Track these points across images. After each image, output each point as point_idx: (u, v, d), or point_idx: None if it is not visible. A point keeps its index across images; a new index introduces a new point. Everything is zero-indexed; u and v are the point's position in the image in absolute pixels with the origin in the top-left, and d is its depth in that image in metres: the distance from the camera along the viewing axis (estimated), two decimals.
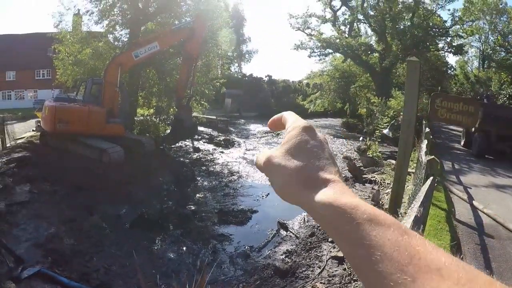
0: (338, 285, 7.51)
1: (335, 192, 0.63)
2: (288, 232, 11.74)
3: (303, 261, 9.18)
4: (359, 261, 0.54)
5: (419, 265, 0.49)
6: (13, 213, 11.46)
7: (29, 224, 10.97)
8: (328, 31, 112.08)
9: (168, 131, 24.32)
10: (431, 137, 15.39)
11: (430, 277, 0.47)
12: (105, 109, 17.86)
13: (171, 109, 25.88)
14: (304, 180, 0.68)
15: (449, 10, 39.31)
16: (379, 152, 18.54)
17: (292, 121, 0.81)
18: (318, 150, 0.72)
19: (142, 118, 27.20)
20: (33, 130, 22.94)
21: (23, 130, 24.12)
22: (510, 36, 38.70)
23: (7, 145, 18.41)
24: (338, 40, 37.68)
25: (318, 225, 11.40)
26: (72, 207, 12.64)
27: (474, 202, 11.26)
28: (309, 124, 0.77)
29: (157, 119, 26.98)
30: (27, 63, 53.80)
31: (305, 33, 41.45)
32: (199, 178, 18.22)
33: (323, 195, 0.63)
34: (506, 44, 37.33)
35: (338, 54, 41.44)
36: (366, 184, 15.13)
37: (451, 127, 32.36)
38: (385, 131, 17.09)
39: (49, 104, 18.00)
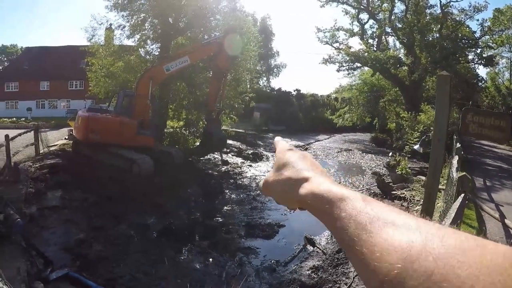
0: None
1: (314, 184, 0.78)
2: (315, 247, 11.64)
3: (329, 277, 9.11)
4: (340, 233, 0.63)
5: (378, 222, 0.59)
6: (44, 217, 11.79)
7: (59, 228, 11.27)
8: (356, 44, 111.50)
9: (197, 143, 24.50)
10: (462, 152, 15.15)
11: (386, 229, 0.57)
12: (136, 121, 18.10)
13: (201, 122, 26.05)
14: (293, 185, 0.84)
15: (477, 20, 38.91)
16: (409, 168, 18.28)
17: (279, 146, 1.03)
18: (299, 161, 0.90)
19: (172, 130, 27.45)
20: (65, 138, 23.46)
21: (56, 138, 24.75)
22: None
23: (41, 152, 18.84)
24: (366, 54, 37.13)
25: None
26: (101, 214, 12.86)
27: (506, 221, 11.03)
28: (291, 146, 1.01)
29: (187, 131, 27.20)
30: (60, 74, 55.29)
31: (333, 47, 41.21)
32: (227, 191, 18.22)
33: (305, 189, 0.79)
34: None
35: (366, 68, 40.86)
36: (395, 200, 14.88)
37: (483, 141, 31.80)
38: (416, 146, 16.81)
39: (82, 114, 18.48)
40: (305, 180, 0.81)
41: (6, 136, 14.41)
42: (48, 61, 56.19)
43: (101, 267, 9.58)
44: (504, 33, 36.63)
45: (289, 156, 0.93)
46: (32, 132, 18.96)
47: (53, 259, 8.92)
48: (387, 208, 0.64)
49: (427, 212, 7.45)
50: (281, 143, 1.06)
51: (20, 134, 17.03)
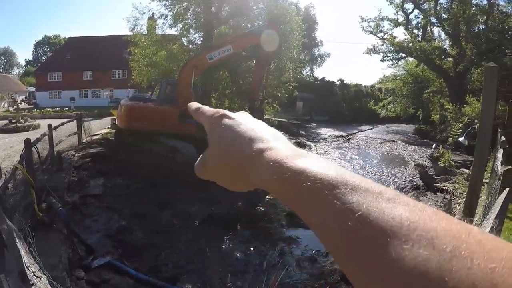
0: None
1: (275, 164, 0.54)
2: None
3: None
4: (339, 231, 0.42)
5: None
6: (86, 204, 12.02)
7: (101, 216, 11.46)
8: (400, 34, 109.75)
9: None
10: (507, 146, 14.80)
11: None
12: (179, 109, 18.27)
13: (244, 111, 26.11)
14: (241, 164, 0.60)
15: None
16: (452, 160, 17.98)
17: (206, 116, 0.75)
18: (239, 129, 0.64)
19: None
20: (108, 128, 23.81)
21: (99, 127, 25.09)
22: None
23: (84, 141, 19.20)
24: (411, 44, 36.52)
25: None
26: (144, 202, 13.09)
27: None
28: (218, 112, 0.72)
29: None
30: (103, 64, 56.24)
31: (377, 36, 40.64)
32: None
33: (265, 172, 0.55)
34: None
35: (411, 59, 40.25)
36: (437, 193, 14.67)
37: None
38: (461, 139, 16.52)
39: (125, 103, 18.74)
40: (260, 154, 0.58)
41: (49, 125, 14.54)
42: (91, 51, 57.01)
43: (144, 254, 9.77)
44: None
45: (225, 125, 0.67)
46: (75, 121, 19.34)
47: (95, 247, 9.14)
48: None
49: (470, 205, 7.32)
50: (204, 108, 0.79)
51: (63, 124, 17.24)
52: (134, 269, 8.48)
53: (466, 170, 15.82)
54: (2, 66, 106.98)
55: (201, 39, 26.45)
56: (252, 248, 10.99)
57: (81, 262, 8.17)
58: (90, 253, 8.71)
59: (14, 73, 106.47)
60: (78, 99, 55.10)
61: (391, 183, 18.30)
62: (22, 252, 4.15)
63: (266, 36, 18.29)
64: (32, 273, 3.46)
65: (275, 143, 0.59)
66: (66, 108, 44.83)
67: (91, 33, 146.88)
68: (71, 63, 58.10)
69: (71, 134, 18.47)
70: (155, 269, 9.09)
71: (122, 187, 14.08)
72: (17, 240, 4.53)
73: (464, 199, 8.49)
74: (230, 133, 0.64)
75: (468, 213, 7.19)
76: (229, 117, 0.69)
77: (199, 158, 0.72)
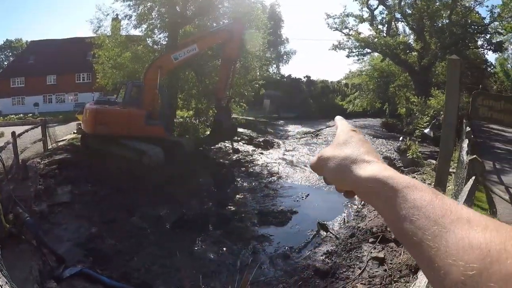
0: (378, 286, 7.45)
1: (378, 168, 0.75)
2: (328, 233, 11.66)
3: (343, 262, 9.12)
4: (403, 224, 0.61)
5: (451, 217, 0.56)
6: (55, 213, 11.73)
7: (71, 224, 11.21)
8: (366, 30, 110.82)
9: (208, 132, 24.51)
10: (472, 136, 15.08)
11: (461, 226, 0.53)
12: (145, 111, 18.10)
13: (211, 111, 26.05)
14: (351, 163, 0.81)
15: (487, 6, 38.06)
16: (419, 152, 18.27)
17: (341, 125, 1.01)
18: (361, 143, 0.87)
19: (181, 120, 27.46)
20: (74, 133, 23.48)
21: (65, 133, 24.72)
22: None
23: (49, 147, 18.84)
24: (376, 40, 37.11)
25: (364, 202, 11.34)
26: (113, 208, 12.89)
27: None
28: (354, 127, 0.97)
29: (197, 120, 27.18)
30: (67, 67, 54.99)
31: (343, 33, 40.88)
32: (238, 179, 18.26)
33: (369, 171, 0.75)
34: None
35: (376, 54, 40.82)
36: None
37: (492, 126, 31.65)
38: (426, 130, 16.81)
39: (90, 107, 18.37)
40: (366, 162, 0.79)
41: (13, 133, 14.21)
42: (54, 54, 55.84)
43: (115, 261, 9.63)
44: None
45: (352, 136, 0.91)
46: (40, 127, 18.91)
47: (65, 256, 8.91)
48: (456, 203, 0.60)
49: None
50: (343, 122, 1.04)
51: (27, 131, 16.85)
52: (106, 277, 8.35)
53: (434, 161, 16.13)
54: None
55: (166, 39, 26.16)
56: (224, 248, 10.99)
57: (52, 273, 7.96)
58: (61, 263, 8.48)
59: None
60: (42, 104, 53.96)
61: None
62: None
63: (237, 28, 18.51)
64: (0, 287, 3.34)
65: (375, 158, 0.81)
66: (30, 114, 43.94)
67: (54, 35, 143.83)
68: (34, 67, 56.79)
69: (36, 141, 18.08)
70: (128, 275, 8.98)
71: (90, 194, 13.85)
72: None
73: None
74: (354, 143, 0.88)
75: None
76: (357, 132, 0.94)
77: (317, 155, 0.95)
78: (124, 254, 10.09)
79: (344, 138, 0.91)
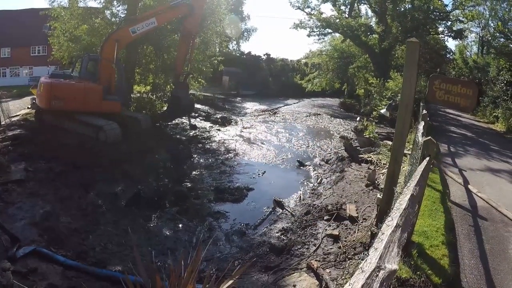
0: (333, 262, 7.56)
1: None
2: (284, 210, 11.82)
3: (298, 239, 9.24)
4: None
5: None
6: (8, 191, 11.39)
7: (25, 202, 10.89)
8: (328, 11, 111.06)
9: (165, 108, 24.26)
10: (428, 119, 15.38)
11: None
12: (102, 86, 17.75)
13: (168, 86, 25.79)
14: None
15: None
16: (376, 133, 18.55)
17: None
18: None
19: (138, 95, 27.04)
20: (28, 108, 22.83)
21: (18, 108, 24.00)
22: (510, 23, 37.95)
23: (2, 123, 18.27)
24: (338, 20, 37.14)
25: (314, 203, 11.46)
26: (68, 185, 12.63)
27: (469, 186, 11.31)
28: None
29: (154, 96, 26.82)
30: (22, 40, 52.97)
31: (304, 12, 40.75)
32: (195, 156, 18.23)
33: None
34: (506, 30, 36.67)
35: (337, 34, 40.96)
36: (362, 164, 15.13)
37: (448, 110, 32.39)
38: (383, 111, 17.04)
39: (45, 81, 17.82)
40: None
41: None
42: (8, 26, 53.57)
43: (71, 240, 9.47)
44: (475, 8, 37.01)
45: None
46: None
47: (19, 236, 8.71)
48: None
49: (393, 174, 7.51)
50: None
51: None
52: (61, 256, 8.23)
53: (389, 142, 16.38)
54: None
55: (125, 12, 25.55)
56: (180, 225, 11.05)
57: (6, 253, 7.80)
58: (15, 243, 8.29)
59: None
60: None
61: (317, 155, 18.66)
62: None
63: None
64: None
65: None
66: None
67: (8, 6, 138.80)
68: None
69: None
70: (83, 254, 8.87)
71: (45, 171, 13.47)
72: None
73: (387, 169, 8.72)
74: None
75: (391, 182, 7.37)
76: None
77: None
78: (80, 232, 9.95)
79: None
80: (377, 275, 2.11)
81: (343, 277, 6.81)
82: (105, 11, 26.15)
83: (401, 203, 3.64)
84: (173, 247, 9.69)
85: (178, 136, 21.68)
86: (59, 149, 14.93)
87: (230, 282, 4.68)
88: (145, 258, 7.77)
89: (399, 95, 18.51)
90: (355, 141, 18.90)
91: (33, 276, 7.29)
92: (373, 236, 7.39)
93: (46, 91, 17.15)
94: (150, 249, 9.17)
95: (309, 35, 40.35)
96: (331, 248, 8.27)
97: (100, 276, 7.74)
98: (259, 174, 15.93)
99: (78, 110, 17.26)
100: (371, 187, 11.92)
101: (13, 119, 19.56)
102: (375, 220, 8.25)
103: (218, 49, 35.87)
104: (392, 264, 2.32)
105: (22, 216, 10.13)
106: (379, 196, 8.31)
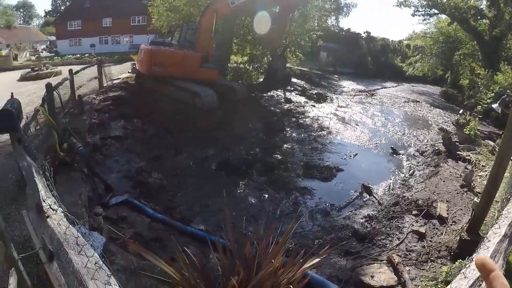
0: (414, 261, 7.21)
1: None
2: (371, 196, 11.44)
3: (383, 229, 8.88)
4: None
5: None
6: (107, 146, 12.22)
7: (122, 157, 11.66)
8: None
9: (261, 79, 24.29)
10: None
11: None
12: (200, 54, 17.97)
13: (265, 58, 25.79)
14: None
15: None
16: (478, 130, 17.36)
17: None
18: None
19: (235, 65, 27.25)
20: (128, 72, 23.78)
21: (120, 72, 25.30)
22: None
23: (104, 85, 19.28)
24: (445, 0, 35.09)
25: (403, 195, 10.98)
26: (161, 146, 13.23)
27: None
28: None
29: (251, 67, 26.99)
30: (122, 10, 55.96)
31: None
32: (288, 129, 18.14)
33: None
34: None
35: (443, 16, 38.45)
36: (459, 161, 14.19)
37: None
38: (495, 105, 15.73)
39: (145, 47, 18.46)
40: None
41: (70, 70, 14.72)
42: None
43: (160, 195, 9.96)
44: None
45: None
46: (96, 66, 19.44)
47: (114, 186, 9.33)
48: None
49: (495, 179, 6.80)
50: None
51: (84, 68, 17.50)
52: (150, 208, 8.67)
53: (492, 143, 15.45)
54: (22, 18, 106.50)
55: None
56: (266, 195, 11.09)
57: (100, 200, 8.39)
58: (109, 192, 8.92)
59: (34, 24, 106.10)
60: (98, 45, 55.30)
61: (412, 145, 17.92)
62: (40, 186, 4.19)
63: None
64: (48, 206, 3.36)
65: None
66: (87, 55, 45.08)
67: None
68: (90, 11, 57.83)
69: (91, 78, 18.74)
70: (170, 210, 9.29)
71: (141, 131, 14.21)
72: (35, 175, 4.59)
73: (487, 172, 8.03)
74: None
75: (492, 187, 6.73)
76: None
77: None
78: (169, 189, 10.40)
79: None
80: (481, 284, 1.87)
81: (421, 279, 6.53)
82: None
83: (509, 211, 3.32)
84: (256, 215, 9.80)
85: (272, 108, 21.70)
86: (156, 112, 15.60)
87: (317, 260, 4.67)
88: (229, 221, 7.79)
89: (508, 90, 17.25)
90: (455, 135, 17.84)
91: (122, 223, 7.73)
92: (462, 242, 7.12)
93: (146, 57, 17.73)
94: (234, 214, 9.43)
95: (413, 15, 38.41)
96: (415, 246, 7.88)
97: (185, 232, 8.01)
98: (350, 156, 15.50)
99: (176, 76, 17.67)
100: (465, 189, 11.17)
101: (114, 81, 20.48)
102: (466, 225, 7.63)
103: (316, 24, 35.33)
104: None
105: (118, 169, 10.87)
106: (476, 200, 7.63)
